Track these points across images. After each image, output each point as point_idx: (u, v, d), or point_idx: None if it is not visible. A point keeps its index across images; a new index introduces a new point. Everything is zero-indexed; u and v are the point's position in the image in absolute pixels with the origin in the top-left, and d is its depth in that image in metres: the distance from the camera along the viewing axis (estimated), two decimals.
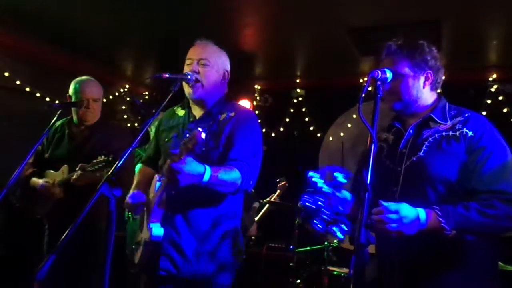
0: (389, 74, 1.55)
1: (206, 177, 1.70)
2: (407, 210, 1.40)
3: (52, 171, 2.76)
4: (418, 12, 3.58)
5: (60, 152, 2.78)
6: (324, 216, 1.50)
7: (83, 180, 2.52)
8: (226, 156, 1.88)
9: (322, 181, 1.54)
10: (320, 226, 1.49)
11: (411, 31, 3.71)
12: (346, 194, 1.59)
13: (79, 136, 2.80)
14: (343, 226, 1.48)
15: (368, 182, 1.26)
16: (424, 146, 1.58)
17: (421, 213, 1.42)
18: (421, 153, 1.57)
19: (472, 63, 4.52)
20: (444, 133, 1.59)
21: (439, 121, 1.62)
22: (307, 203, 1.52)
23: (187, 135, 1.62)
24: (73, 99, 2.77)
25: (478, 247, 1.52)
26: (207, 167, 1.71)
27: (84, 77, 2.83)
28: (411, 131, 1.66)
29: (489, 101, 4.55)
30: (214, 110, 2.01)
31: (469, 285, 1.50)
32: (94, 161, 2.44)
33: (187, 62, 2.00)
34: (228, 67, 2.07)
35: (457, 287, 1.50)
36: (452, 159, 1.53)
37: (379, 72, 1.51)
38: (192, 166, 1.66)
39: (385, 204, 1.39)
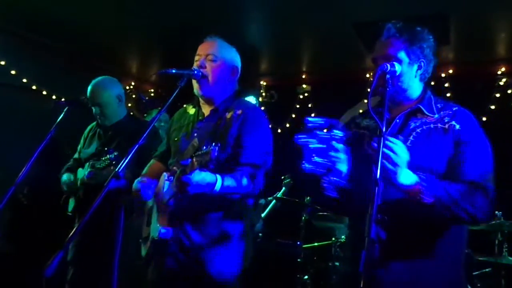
0: (398, 67, 1.52)
1: (217, 187, 1.70)
2: (407, 159, 1.40)
3: (81, 169, 2.79)
4: (426, 6, 3.54)
5: (90, 151, 2.81)
6: (319, 159, 1.46)
7: (94, 177, 2.54)
8: (234, 158, 1.86)
9: (320, 124, 1.52)
10: (307, 166, 1.45)
11: (418, 24, 3.66)
12: (340, 146, 1.52)
13: (106, 135, 2.83)
14: (334, 178, 1.44)
15: (378, 176, 1.24)
16: (412, 136, 1.57)
17: (411, 176, 1.41)
18: (408, 143, 1.55)
19: (481, 56, 4.46)
20: (432, 125, 1.58)
21: (427, 113, 1.61)
22: (301, 142, 1.48)
23: (204, 148, 1.59)
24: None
25: (451, 236, 1.53)
26: (219, 177, 1.71)
27: (96, 80, 2.81)
28: (398, 120, 1.63)
29: (498, 95, 4.49)
30: (221, 108, 1.99)
31: (440, 270, 1.51)
32: (102, 158, 2.45)
33: (196, 58, 1.99)
34: (238, 63, 2.05)
35: (429, 272, 1.51)
36: (439, 152, 1.53)
37: (388, 66, 1.49)
38: (202, 176, 1.65)
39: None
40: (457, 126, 1.54)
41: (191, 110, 2.11)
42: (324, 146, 1.47)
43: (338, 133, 1.50)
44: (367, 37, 4.19)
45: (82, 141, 2.91)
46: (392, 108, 1.66)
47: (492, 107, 4.39)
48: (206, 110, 2.04)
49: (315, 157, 1.46)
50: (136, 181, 1.97)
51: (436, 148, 1.53)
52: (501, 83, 4.51)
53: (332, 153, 1.48)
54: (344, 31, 4.08)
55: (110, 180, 1.42)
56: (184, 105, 2.18)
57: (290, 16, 3.91)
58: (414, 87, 1.64)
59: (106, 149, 2.54)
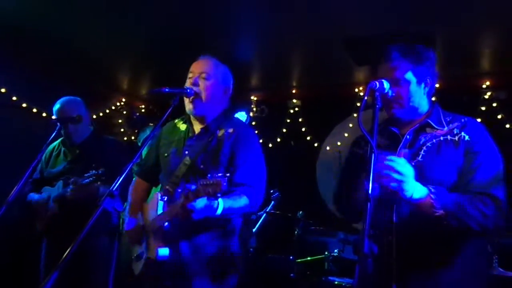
0: (386, 85, 1.56)
1: (219, 210, 1.72)
2: (413, 175, 1.44)
3: (48, 187, 2.79)
4: (413, 22, 3.63)
5: (56, 169, 2.83)
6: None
7: (77, 194, 2.54)
8: (229, 178, 1.87)
9: None
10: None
11: (406, 41, 3.75)
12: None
13: (73, 153, 2.85)
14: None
15: (370, 192, 1.26)
16: (422, 151, 1.60)
17: (421, 189, 1.45)
18: (419, 158, 1.57)
19: (466, 71, 4.57)
20: (442, 138, 1.60)
21: (436, 127, 1.64)
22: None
23: (209, 177, 1.58)
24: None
25: (471, 249, 1.55)
26: (220, 201, 1.72)
27: (62, 99, 2.85)
28: (408, 136, 1.67)
29: (483, 108, 4.60)
30: (212, 126, 2.00)
31: (461, 283, 1.53)
32: (86, 175, 2.46)
33: (189, 75, 2.00)
34: (231, 82, 2.07)
35: (451, 280, 1.52)
36: (450, 164, 1.55)
37: (377, 83, 1.53)
38: (205, 202, 1.67)
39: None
40: (467, 137, 1.57)
41: (182, 126, 2.11)
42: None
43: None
44: (356, 52, 4.28)
45: (43, 160, 2.91)
46: (403, 125, 1.70)
47: (478, 120, 4.48)
48: (196, 127, 2.05)
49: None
50: (124, 224, 2.00)
51: (447, 160, 1.55)
52: (486, 97, 4.63)
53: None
54: (334, 46, 4.16)
55: (104, 199, 1.42)
56: (175, 120, 2.18)
57: (280, 31, 3.98)
58: (423, 104, 1.68)
59: (93, 165, 2.53)
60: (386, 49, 1.68)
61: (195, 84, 1.95)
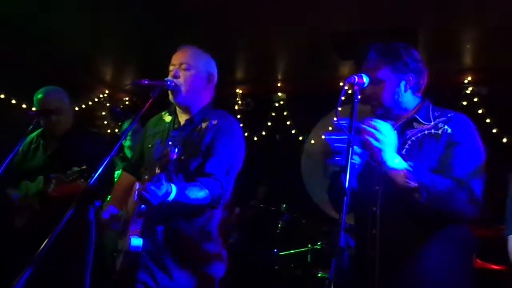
0: (365, 79, 1.57)
1: (171, 196, 1.67)
2: (395, 142, 1.48)
3: (28, 182, 2.70)
4: (396, 19, 3.66)
5: (35, 163, 2.73)
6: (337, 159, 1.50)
7: (59, 191, 2.48)
8: (201, 166, 1.85)
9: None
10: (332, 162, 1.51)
11: (389, 36, 3.79)
12: (358, 150, 1.55)
13: (53, 146, 2.74)
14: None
15: (347, 186, 1.27)
16: (407, 145, 1.62)
17: (399, 160, 1.48)
18: (403, 152, 1.59)
19: (448, 66, 4.63)
20: (426, 132, 1.62)
21: (423, 122, 1.65)
22: (332, 141, 1.53)
23: (160, 151, 1.58)
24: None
25: (456, 237, 1.57)
26: (174, 187, 1.68)
27: (44, 88, 2.73)
28: (395, 131, 1.69)
29: (465, 103, 4.67)
30: (197, 118, 1.98)
31: (447, 272, 1.54)
32: (69, 172, 2.40)
33: (170, 68, 1.97)
34: (214, 70, 2.04)
35: (435, 273, 1.54)
36: (432, 157, 1.57)
37: (356, 77, 1.54)
38: (158, 185, 1.62)
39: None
40: (449, 130, 1.59)
41: (167, 118, 2.10)
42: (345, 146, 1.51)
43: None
44: (340, 47, 4.30)
45: (21, 153, 2.77)
46: (391, 119, 1.71)
47: None
48: (182, 118, 2.03)
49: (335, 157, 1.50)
50: (102, 211, 1.95)
51: (428, 153, 1.57)
52: (468, 92, 4.71)
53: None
54: (318, 40, 4.17)
55: (81, 194, 1.39)
56: (162, 112, 2.16)
57: (265, 24, 3.96)
58: (408, 100, 1.69)
59: (75, 161, 2.47)
60: (366, 49, 1.70)
61: (176, 76, 1.92)
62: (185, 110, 2.00)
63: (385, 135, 1.46)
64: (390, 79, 1.65)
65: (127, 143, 3.56)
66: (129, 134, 3.46)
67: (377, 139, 1.44)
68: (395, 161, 1.47)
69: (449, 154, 1.55)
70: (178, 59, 1.97)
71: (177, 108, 2.03)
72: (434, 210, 1.48)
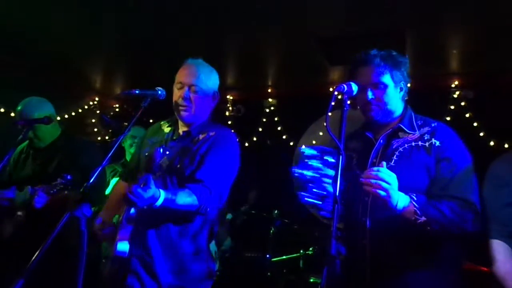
0: (354, 88, 1.59)
1: (159, 202, 1.67)
2: (397, 185, 1.47)
3: (17, 191, 2.67)
4: (383, 23, 3.71)
5: (25, 173, 2.71)
6: (314, 190, 1.52)
7: (44, 203, 2.43)
8: (194, 173, 1.87)
9: (313, 154, 1.56)
10: (309, 200, 1.52)
11: (377, 41, 3.83)
12: (331, 172, 1.59)
13: (42, 155, 2.73)
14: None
15: (337, 194, 1.29)
16: (395, 156, 1.63)
17: (404, 197, 1.49)
18: (392, 163, 1.60)
19: (435, 71, 4.70)
20: (413, 143, 1.64)
21: (408, 131, 1.68)
22: (297, 174, 1.54)
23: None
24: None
25: (445, 247, 1.59)
26: (162, 192, 1.68)
27: (24, 100, 2.72)
28: (381, 141, 1.70)
29: (452, 107, 4.74)
30: (195, 131, 2.01)
31: (437, 281, 1.57)
32: (53, 183, 2.38)
33: (178, 85, 1.99)
34: (217, 86, 2.08)
35: (425, 283, 1.56)
36: (421, 169, 1.59)
37: (345, 86, 1.56)
38: (145, 189, 1.61)
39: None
40: (437, 143, 1.61)
41: (166, 128, 2.12)
42: (318, 175, 1.53)
43: (329, 159, 1.56)
44: (330, 53, 4.34)
45: (12, 163, 2.77)
46: (377, 129, 1.74)
47: (448, 118, 4.62)
48: (181, 130, 2.06)
49: (313, 189, 1.51)
50: (94, 221, 1.95)
51: (418, 166, 1.59)
52: (455, 96, 4.77)
53: (326, 180, 1.54)
54: (308, 46, 4.20)
55: (72, 204, 1.39)
56: (161, 122, 2.18)
57: (255, 31, 3.99)
58: (398, 107, 1.73)
59: (61, 173, 2.45)
60: (365, 52, 1.72)
61: (186, 98, 1.94)
62: (188, 124, 2.03)
63: (389, 182, 1.45)
64: (391, 85, 1.68)
65: (132, 149, 3.54)
66: (134, 141, 3.46)
67: (383, 189, 1.44)
68: (402, 202, 1.48)
69: (443, 171, 1.58)
70: (187, 78, 1.98)
71: (179, 121, 2.06)
72: (443, 234, 1.52)
